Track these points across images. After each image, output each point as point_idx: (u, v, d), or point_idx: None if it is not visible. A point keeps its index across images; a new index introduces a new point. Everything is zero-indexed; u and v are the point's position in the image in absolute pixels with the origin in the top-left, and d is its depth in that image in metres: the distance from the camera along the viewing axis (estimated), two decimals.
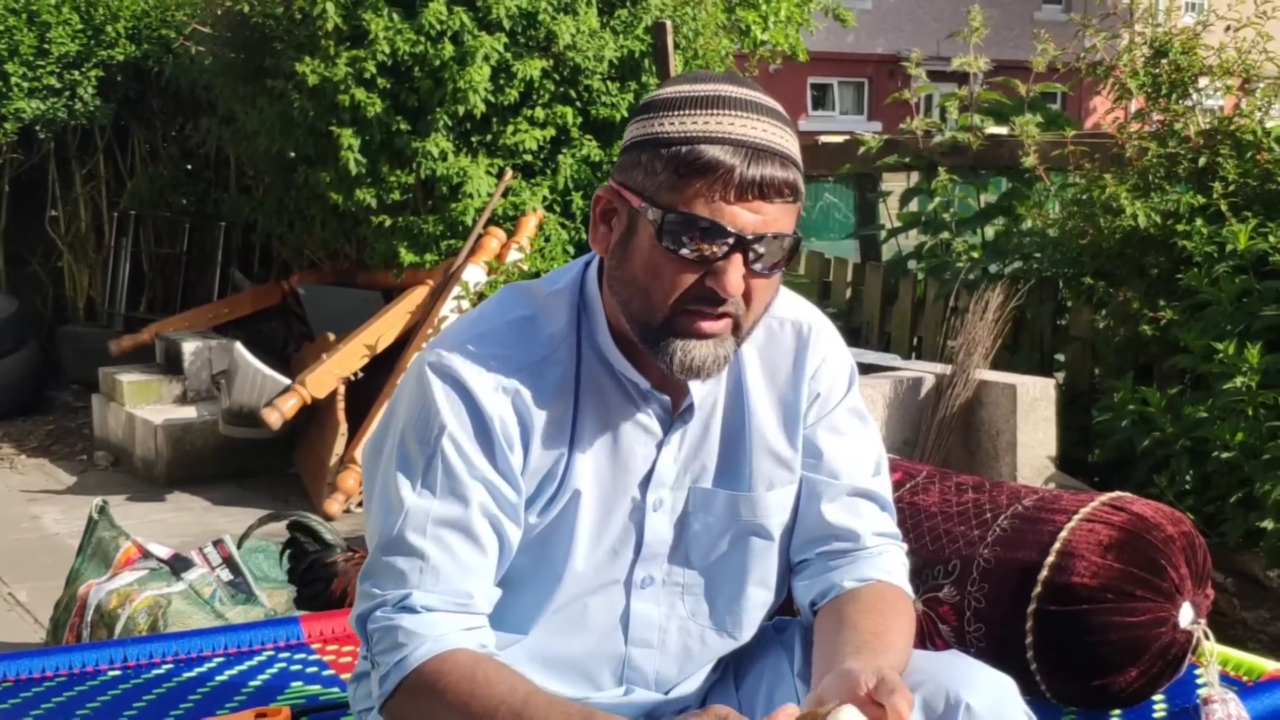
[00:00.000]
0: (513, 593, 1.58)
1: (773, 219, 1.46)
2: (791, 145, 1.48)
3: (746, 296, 1.49)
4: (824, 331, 1.72)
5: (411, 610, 1.48)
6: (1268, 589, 3.23)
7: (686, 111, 1.47)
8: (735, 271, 1.46)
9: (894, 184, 6.39)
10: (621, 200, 1.51)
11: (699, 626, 1.67)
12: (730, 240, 1.44)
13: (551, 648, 1.62)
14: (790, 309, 1.71)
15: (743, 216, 1.44)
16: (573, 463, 1.57)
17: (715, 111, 1.46)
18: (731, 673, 1.76)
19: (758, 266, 1.47)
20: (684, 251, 1.45)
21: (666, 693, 1.69)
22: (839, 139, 6.59)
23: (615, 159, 1.71)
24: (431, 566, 1.49)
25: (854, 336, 5.66)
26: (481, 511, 1.52)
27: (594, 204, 1.56)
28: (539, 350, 1.57)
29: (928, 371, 3.91)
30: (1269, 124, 4.36)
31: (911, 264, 5.65)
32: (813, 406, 1.69)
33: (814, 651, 1.58)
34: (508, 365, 1.55)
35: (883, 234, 6.15)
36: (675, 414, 1.62)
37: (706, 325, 1.48)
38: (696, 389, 1.61)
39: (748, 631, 1.71)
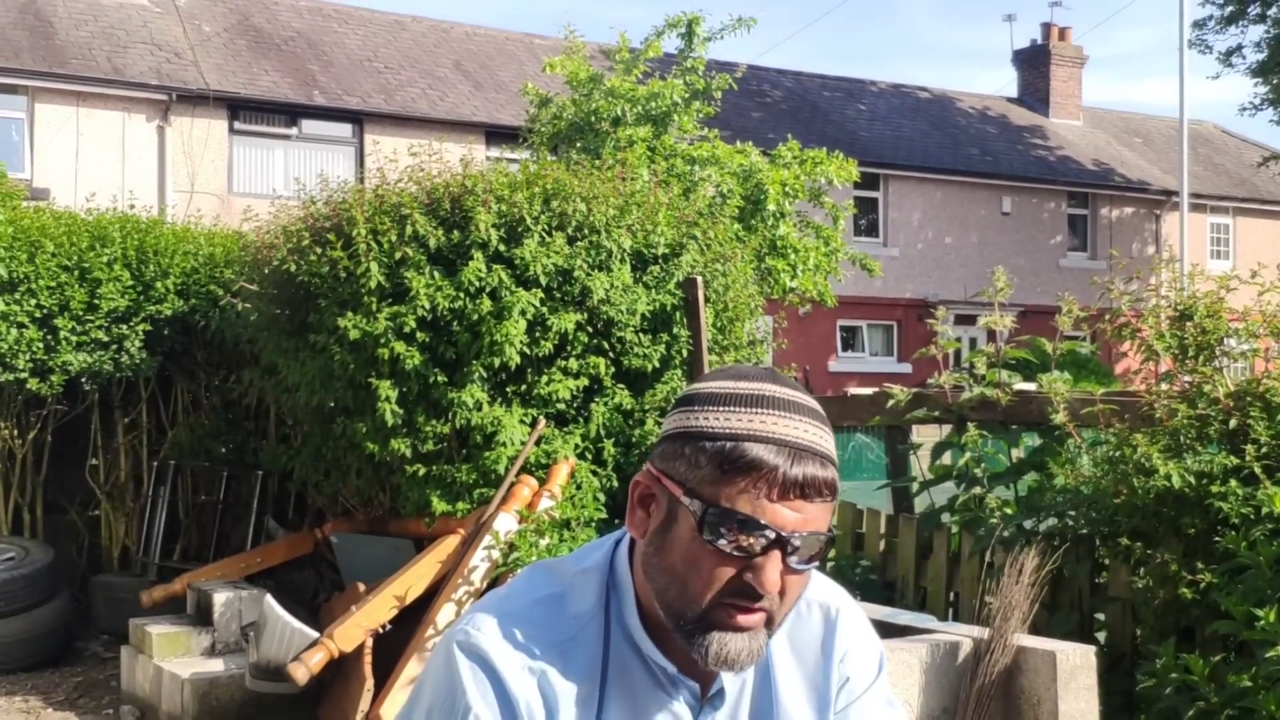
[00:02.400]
0: None
1: (812, 518, 1.48)
2: (830, 444, 1.52)
3: (781, 591, 1.50)
4: (851, 614, 1.71)
5: None
6: None
7: (731, 408, 1.51)
8: (774, 568, 1.47)
9: (926, 434, 6.42)
10: (661, 488, 1.53)
11: None
12: (771, 537, 1.46)
13: None
14: (817, 591, 1.71)
15: (784, 515, 1.47)
16: None
17: (759, 411, 1.50)
18: None
19: (794, 563, 1.49)
20: (724, 545, 1.47)
21: None
22: (868, 391, 6.66)
23: (652, 439, 1.76)
24: None
25: (889, 590, 5.59)
26: None
27: (632, 489, 1.59)
28: (566, 629, 1.57)
29: (965, 635, 3.84)
30: None
31: (945, 517, 5.62)
32: (842, 692, 1.67)
33: None
34: (535, 645, 1.55)
35: (915, 486, 6.14)
36: (705, 699, 1.60)
37: (744, 619, 1.49)
38: (731, 680, 1.60)
39: None
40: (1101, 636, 4.59)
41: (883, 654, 1.74)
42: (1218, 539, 4.04)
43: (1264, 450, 4.16)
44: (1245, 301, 4.67)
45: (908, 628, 4.01)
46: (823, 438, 1.51)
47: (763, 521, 1.45)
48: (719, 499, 1.47)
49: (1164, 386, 4.69)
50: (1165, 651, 3.80)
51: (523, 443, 5.79)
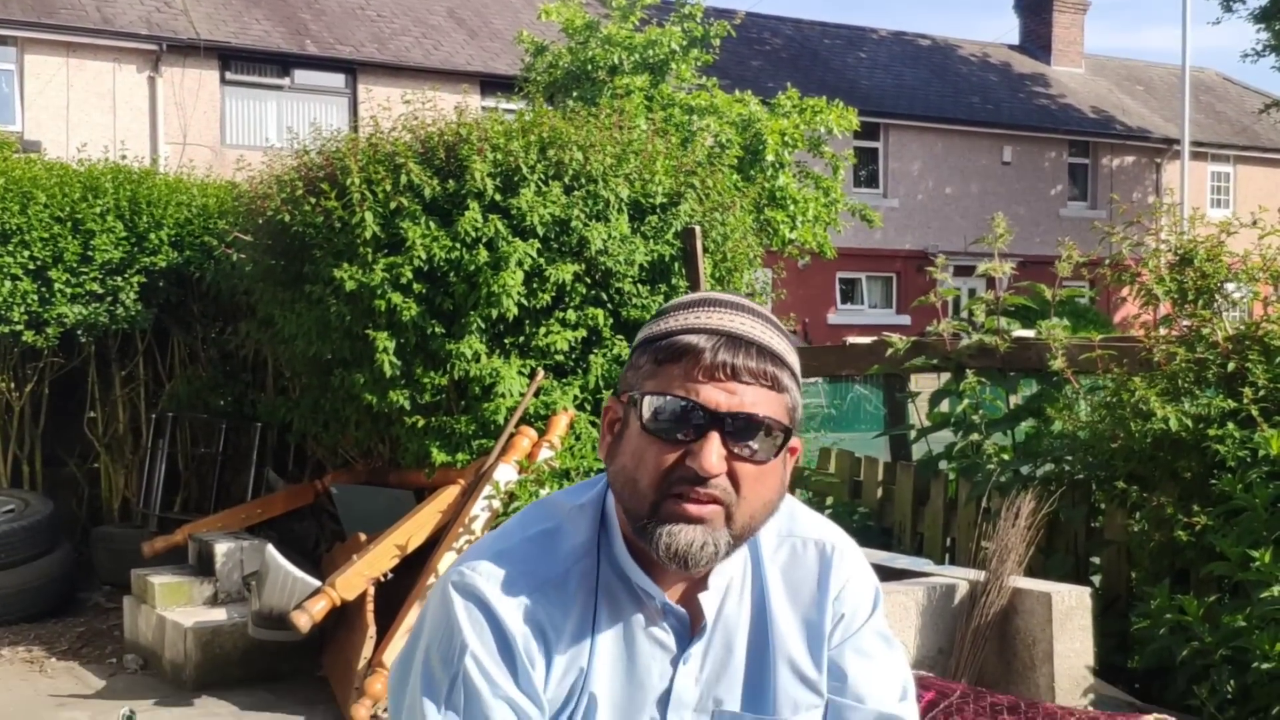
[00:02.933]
0: None
1: (749, 401, 1.49)
2: (774, 341, 1.53)
3: (736, 484, 1.50)
4: (847, 552, 1.72)
5: None
6: None
7: (672, 313, 1.55)
8: (712, 449, 1.48)
9: (924, 383, 6.43)
10: (620, 404, 1.57)
11: None
12: (703, 416, 1.47)
13: None
14: (813, 529, 1.71)
15: (715, 395, 1.48)
16: (590, 679, 1.57)
17: (696, 309, 1.54)
18: None
19: (743, 451, 1.49)
20: (661, 432, 1.49)
21: None
22: (867, 340, 6.66)
23: None
24: None
25: (886, 537, 5.62)
26: None
27: (603, 416, 1.61)
28: (560, 565, 1.59)
29: (961, 578, 3.86)
30: None
31: (943, 464, 5.64)
32: (837, 628, 1.67)
33: None
34: (530, 582, 1.56)
35: (913, 434, 6.15)
36: (694, 630, 1.61)
37: (692, 509, 1.49)
38: (711, 602, 1.61)
39: None
40: (1097, 580, 4.61)
41: (878, 590, 1.74)
42: (1214, 482, 4.05)
43: (1261, 393, 4.16)
44: (1245, 246, 4.66)
45: (905, 571, 4.03)
46: (763, 332, 1.52)
47: (694, 400, 1.47)
48: (654, 390, 1.50)
49: (1162, 331, 4.69)
50: (1160, 593, 3.82)
51: (521, 394, 5.80)
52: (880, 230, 17.98)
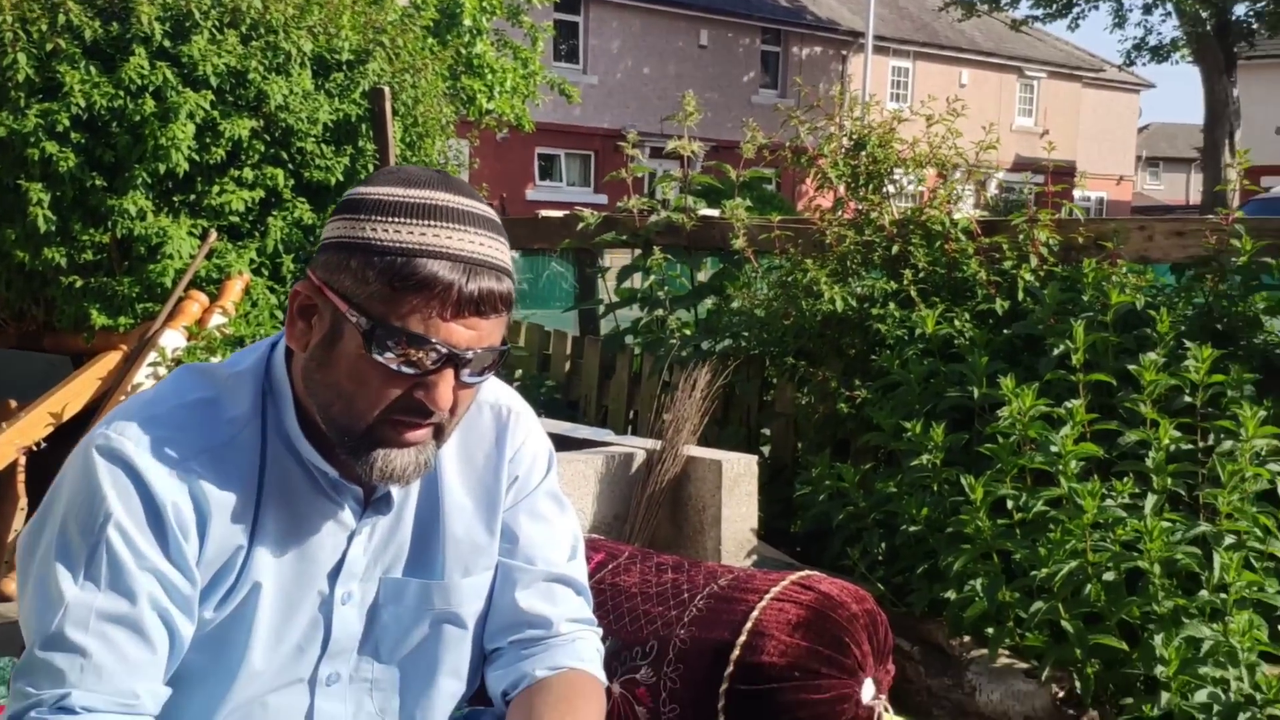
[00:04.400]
0: (185, 692, 1.48)
1: (487, 334, 1.45)
2: (505, 255, 1.47)
3: (454, 406, 1.47)
4: (523, 415, 1.71)
5: (70, 711, 1.37)
6: (950, 656, 3.39)
7: (400, 219, 1.42)
8: (446, 385, 1.43)
9: (617, 259, 6.50)
10: (325, 301, 1.45)
11: None
12: (444, 354, 1.42)
13: None
14: (490, 392, 1.69)
15: (459, 333, 1.42)
16: (253, 554, 1.50)
17: (432, 223, 1.42)
18: None
19: (467, 377, 1.45)
20: (393, 363, 1.41)
21: None
22: (559, 214, 6.66)
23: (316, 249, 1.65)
24: (94, 664, 1.39)
25: (573, 409, 5.70)
26: (151, 605, 1.42)
27: (291, 299, 1.49)
28: (219, 433, 1.49)
29: (639, 447, 3.95)
30: (956, 215, 4.65)
31: (628, 339, 5.75)
32: (511, 490, 1.67)
33: None
34: (184, 449, 1.47)
35: (601, 308, 6.23)
36: (369, 504, 1.57)
37: (411, 435, 1.45)
38: None
39: None
40: (767, 450, 4.83)
41: (552, 454, 1.75)
42: (874, 358, 4.28)
43: (921, 275, 4.41)
44: (915, 134, 4.88)
45: (587, 441, 4.09)
46: (498, 249, 1.46)
47: (435, 340, 1.40)
48: (389, 317, 1.40)
49: (835, 214, 4.88)
50: (821, 462, 4.03)
51: (192, 256, 5.51)
52: (579, 107, 17.99)
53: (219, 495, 1.48)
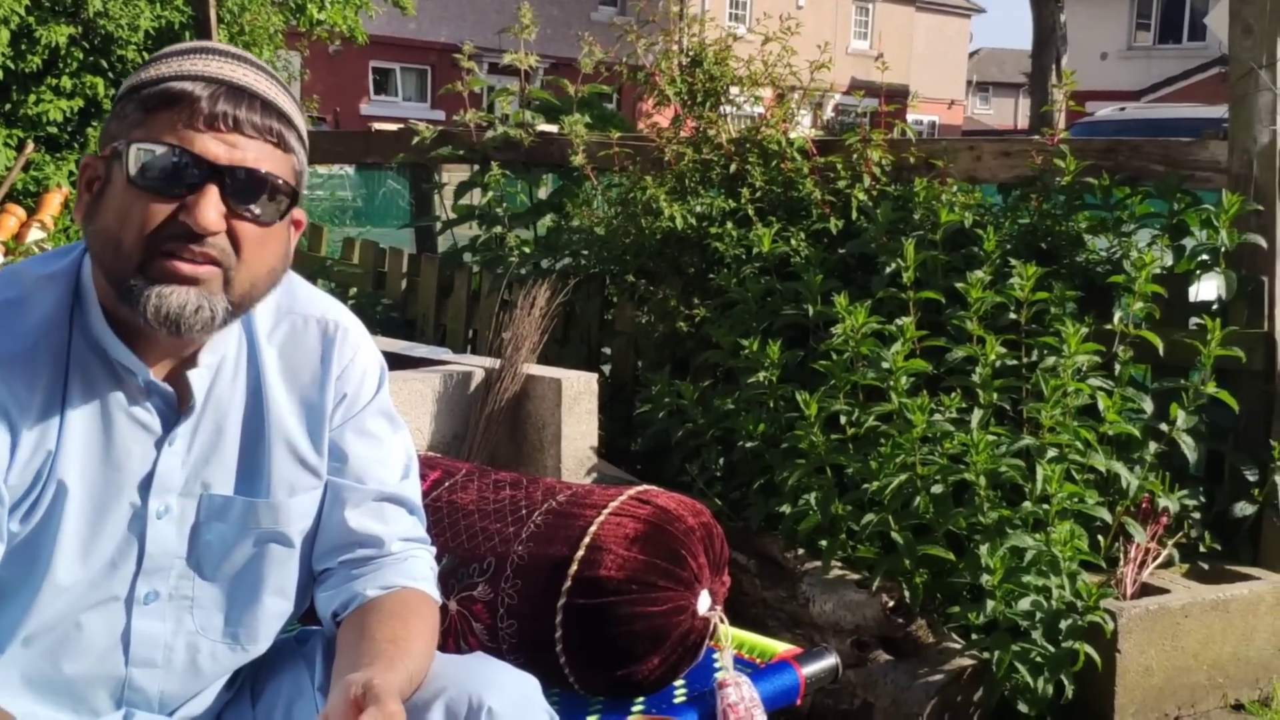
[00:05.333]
0: None
1: (252, 156, 1.41)
2: (279, 99, 1.45)
3: (236, 244, 1.42)
4: (352, 330, 1.67)
5: None
6: (785, 569, 3.47)
7: (166, 60, 1.42)
8: (209, 205, 1.38)
9: (455, 175, 6.38)
10: (100, 160, 1.42)
11: (210, 642, 1.58)
12: (199, 167, 1.37)
13: (40, 671, 1.48)
14: (316, 306, 1.65)
15: (213, 146, 1.38)
16: (58, 461, 1.44)
17: (192, 56, 1.41)
18: (248, 689, 1.68)
19: (244, 210, 1.41)
20: (150, 185, 1.37)
21: (171, 714, 1.59)
22: (393, 128, 6.51)
23: None
24: None
25: (410, 328, 5.62)
26: None
27: (80, 174, 1.46)
28: (24, 338, 1.43)
29: (478, 365, 3.92)
30: (793, 135, 4.69)
31: (466, 257, 5.68)
32: (339, 408, 1.64)
33: (335, 664, 1.54)
34: None
35: (438, 226, 6.13)
36: (181, 410, 1.52)
37: (185, 268, 1.39)
38: (201, 381, 1.52)
39: (263, 644, 1.63)
40: (607, 369, 4.84)
41: (384, 369, 1.71)
42: (712, 277, 4.31)
43: (758, 194, 4.45)
44: (753, 53, 4.89)
45: (424, 360, 4.05)
46: (269, 88, 1.43)
47: (186, 149, 1.37)
48: (144, 138, 1.38)
49: (673, 132, 4.88)
50: (661, 380, 4.07)
51: (8, 168, 5.26)
52: (415, 21, 17.56)
53: (24, 402, 1.42)
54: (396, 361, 3.62)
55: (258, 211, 1.42)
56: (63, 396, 1.45)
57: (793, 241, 4.20)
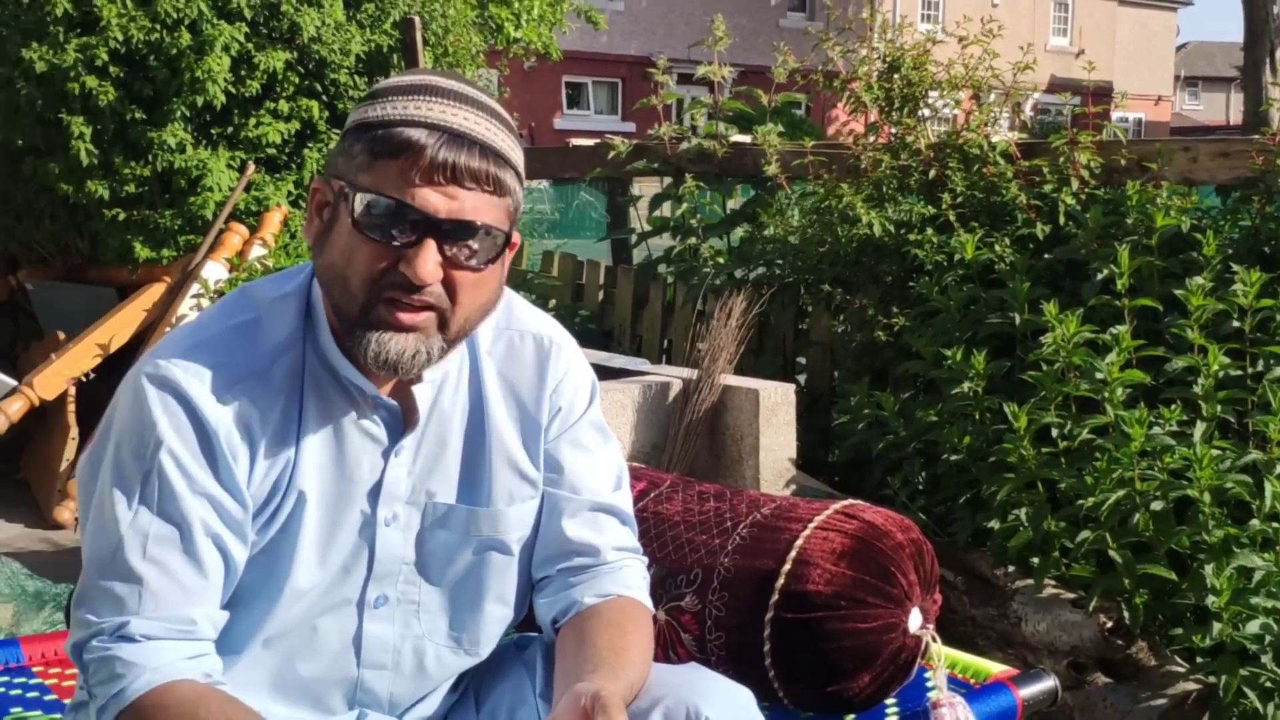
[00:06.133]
0: (237, 614, 1.52)
1: (470, 207, 1.44)
2: (498, 139, 1.47)
3: (451, 290, 1.46)
4: (565, 345, 1.71)
5: (130, 639, 1.41)
6: (995, 586, 3.40)
7: (391, 98, 1.45)
8: (427, 257, 1.43)
9: (648, 188, 6.46)
10: (329, 189, 1.48)
11: (435, 645, 1.64)
12: (418, 222, 1.42)
13: (279, 671, 1.56)
14: (531, 322, 1.70)
15: (433, 199, 1.42)
16: (297, 473, 1.52)
17: (417, 97, 1.44)
18: (472, 693, 1.74)
19: (460, 258, 1.45)
20: (374, 233, 1.42)
21: (401, 715, 1.65)
22: (590, 143, 6.62)
23: None
24: (150, 591, 1.42)
25: (606, 339, 5.70)
26: (204, 530, 1.45)
27: (310, 197, 1.52)
28: (263, 358, 1.51)
29: (675, 376, 3.95)
30: (994, 138, 4.59)
31: (662, 268, 5.73)
32: (554, 421, 1.68)
33: (555, 671, 1.57)
34: (230, 374, 1.49)
35: (633, 238, 6.21)
36: (407, 423, 1.58)
37: (404, 317, 1.45)
38: (425, 396, 1.58)
39: (485, 648, 1.69)
40: (803, 379, 4.82)
41: (595, 384, 1.75)
42: (912, 285, 4.25)
43: (959, 199, 4.36)
44: (950, 56, 4.81)
45: (623, 370, 4.10)
46: (487, 129, 1.46)
47: (409, 204, 1.41)
48: (369, 186, 1.42)
49: (870, 139, 4.83)
50: (859, 390, 4.02)
51: (231, 188, 5.54)
52: (606, 35, 17.81)
53: (264, 418, 1.50)
54: (596, 372, 3.67)
55: (473, 261, 1.46)
56: (299, 411, 1.52)
57: (996, 248, 4.11)
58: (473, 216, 1.44)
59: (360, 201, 1.42)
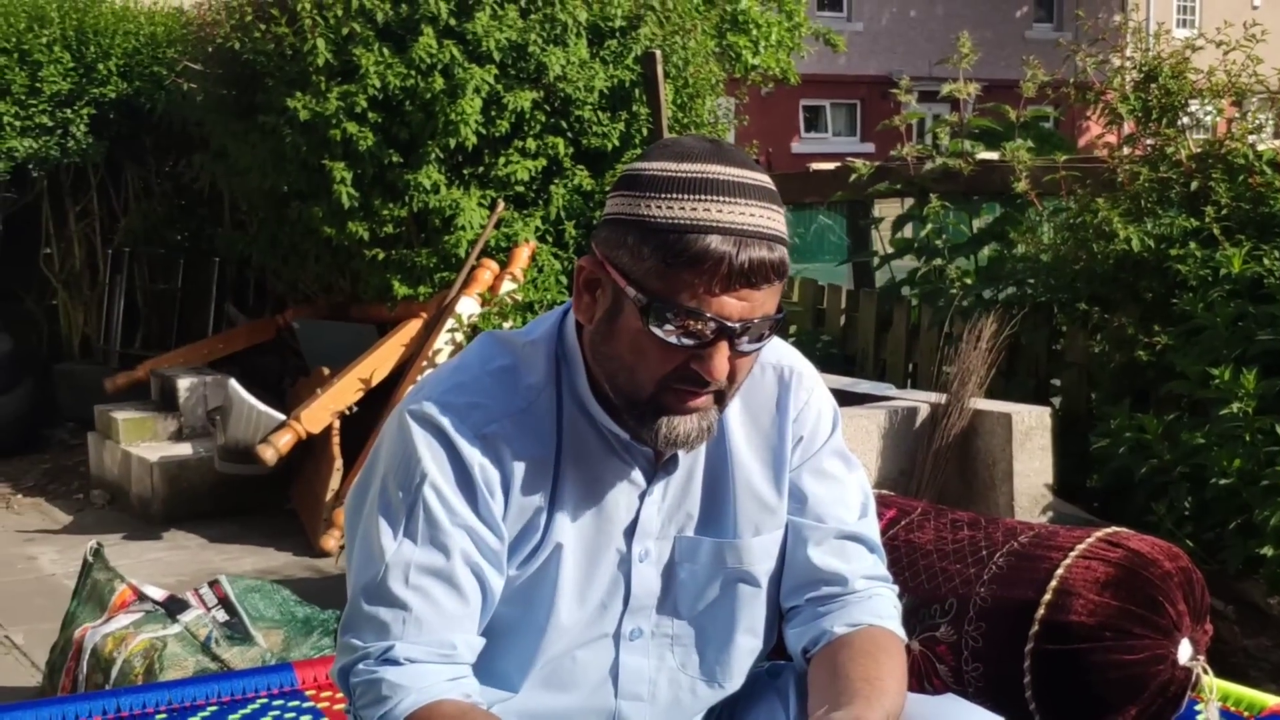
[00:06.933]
0: (498, 646, 1.57)
1: (760, 304, 1.46)
2: (779, 223, 1.47)
3: (733, 374, 1.50)
4: (806, 374, 1.71)
5: (395, 663, 1.47)
6: (1269, 616, 3.21)
7: (674, 195, 1.45)
8: (721, 356, 1.46)
9: (888, 209, 6.39)
10: (606, 276, 1.50)
11: (689, 678, 1.66)
12: (715, 327, 1.44)
13: (541, 702, 1.60)
14: (772, 353, 1.70)
15: (730, 305, 1.44)
16: (555, 514, 1.57)
17: (704, 197, 1.44)
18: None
19: (743, 347, 1.48)
20: (670, 336, 1.45)
21: None
22: (831, 166, 6.59)
23: (600, 211, 1.71)
24: (414, 617, 1.49)
25: (849, 364, 5.65)
26: (464, 560, 1.51)
27: (577, 273, 1.55)
28: (519, 400, 1.57)
29: (923, 401, 3.88)
30: (1260, 147, 4.36)
31: (905, 290, 5.65)
32: (796, 450, 1.68)
33: (809, 701, 1.57)
34: (488, 414, 1.55)
35: (876, 260, 6.14)
36: (659, 465, 1.61)
37: (692, 403, 1.50)
38: None
39: (737, 680, 1.69)
40: (1057, 401, 4.66)
41: (837, 411, 1.74)
42: (1175, 301, 4.06)
43: (1224, 212, 4.15)
44: (1209, 63, 4.59)
45: (867, 395, 4.06)
46: (771, 218, 1.46)
47: (709, 314, 1.43)
48: (663, 293, 1.44)
49: (1126, 151, 4.65)
50: (1120, 413, 3.87)
51: (482, 226, 5.74)
52: (844, 56, 17.65)
53: (521, 456, 1.55)
54: (840, 397, 3.63)
55: (755, 345, 1.50)
56: (557, 450, 1.58)
57: (1266, 261, 3.89)
58: (763, 312, 1.47)
59: (657, 308, 1.45)
